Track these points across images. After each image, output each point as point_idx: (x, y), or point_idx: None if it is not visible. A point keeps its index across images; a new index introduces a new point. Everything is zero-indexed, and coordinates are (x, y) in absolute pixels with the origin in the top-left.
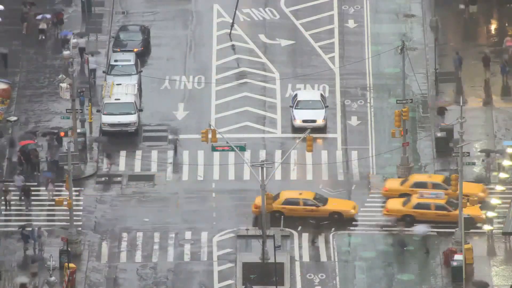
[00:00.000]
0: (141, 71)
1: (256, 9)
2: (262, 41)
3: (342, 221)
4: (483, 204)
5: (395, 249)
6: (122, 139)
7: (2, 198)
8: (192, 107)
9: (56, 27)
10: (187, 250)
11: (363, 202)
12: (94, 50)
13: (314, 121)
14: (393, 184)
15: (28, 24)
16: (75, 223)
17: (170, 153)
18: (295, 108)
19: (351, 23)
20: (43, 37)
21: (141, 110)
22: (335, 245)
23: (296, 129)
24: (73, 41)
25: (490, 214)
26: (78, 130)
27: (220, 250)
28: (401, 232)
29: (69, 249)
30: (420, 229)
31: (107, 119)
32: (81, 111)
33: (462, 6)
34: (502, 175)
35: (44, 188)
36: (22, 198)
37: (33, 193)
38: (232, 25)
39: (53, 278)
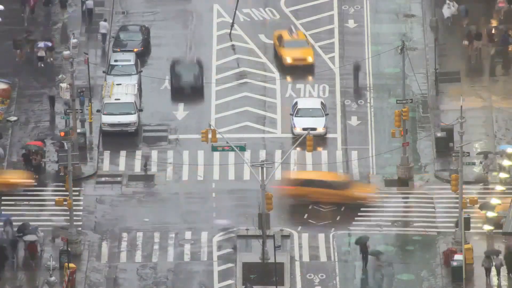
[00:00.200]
0: (141, 71)
1: (256, 9)
2: (262, 41)
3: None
4: (484, 205)
5: (395, 249)
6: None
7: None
8: (192, 107)
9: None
10: (187, 250)
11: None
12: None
13: (314, 129)
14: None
15: (22, 51)
16: (75, 223)
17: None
18: (295, 116)
19: (351, 23)
20: (42, 65)
21: (141, 110)
22: (335, 245)
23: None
24: (73, 41)
25: (490, 214)
26: (78, 130)
27: (220, 250)
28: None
29: (69, 249)
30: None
31: (107, 119)
32: (81, 111)
33: (465, 42)
34: (502, 175)
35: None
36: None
37: (33, 193)
38: (232, 25)
39: (53, 278)
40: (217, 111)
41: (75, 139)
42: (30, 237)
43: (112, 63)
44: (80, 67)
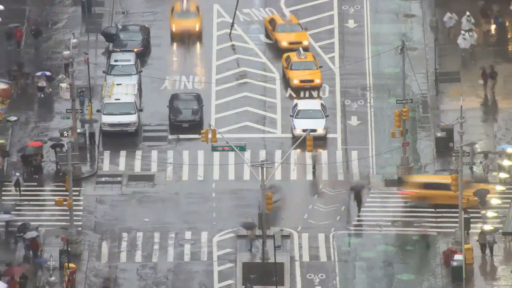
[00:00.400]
0: (141, 71)
1: (256, 9)
2: (262, 41)
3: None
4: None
5: (395, 249)
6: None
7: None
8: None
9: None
10: (187, 250)
11: (363, 202)
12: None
13: (314, 130)
14: None
15: (18, 83)
16: (75, 223)
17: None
18: (295, 118)
19: (351, 23)
20: (42, 95)
21: (141, 110)
22: (335, 245)
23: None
24: (73, 41)
25: (490, 214)
26: (78, 130)
27: (220, 250)
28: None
29: (69, 249)
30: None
31: (107, 119)
32: (81, 111)
33: (481, 82)
34: (502, 175)
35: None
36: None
37: (33, 193)
38: (232, 25)
39: (53, 278)
40: (217, 111)
41: (75, 139)
42: (31, 234)
43: (112, 63)
44: (80, 67)
